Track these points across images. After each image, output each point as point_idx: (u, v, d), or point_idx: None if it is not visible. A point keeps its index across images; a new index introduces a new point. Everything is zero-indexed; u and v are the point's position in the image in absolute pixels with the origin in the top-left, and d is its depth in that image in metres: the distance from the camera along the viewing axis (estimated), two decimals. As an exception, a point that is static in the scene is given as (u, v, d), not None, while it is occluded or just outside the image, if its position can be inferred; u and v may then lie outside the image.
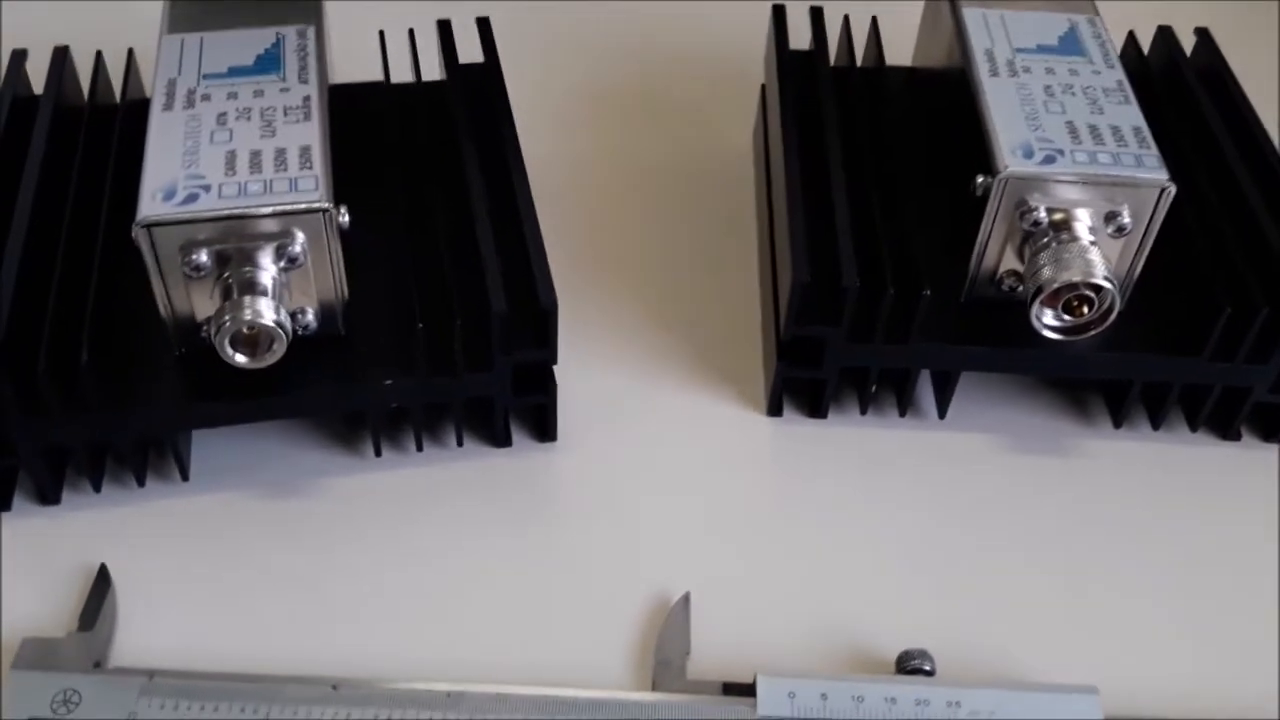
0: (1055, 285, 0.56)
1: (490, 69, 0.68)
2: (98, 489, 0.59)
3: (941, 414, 0.64)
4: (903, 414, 0.65)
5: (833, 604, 0.57)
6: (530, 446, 0.63)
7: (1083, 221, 0.57)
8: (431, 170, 0.64)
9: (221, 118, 0.57)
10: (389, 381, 0.58)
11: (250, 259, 0.54)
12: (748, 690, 0.52)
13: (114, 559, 0.57)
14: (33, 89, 0.67)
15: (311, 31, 0.62)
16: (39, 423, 0.55)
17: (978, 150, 0.59)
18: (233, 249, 0.54)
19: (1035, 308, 0.57)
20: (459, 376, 0.58)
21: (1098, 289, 0.57)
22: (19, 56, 0.67)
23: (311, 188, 0.54)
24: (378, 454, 0.62)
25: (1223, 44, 0.72)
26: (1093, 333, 0.58)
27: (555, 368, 0.60)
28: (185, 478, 0.60)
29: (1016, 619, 0.57)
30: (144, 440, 0.60)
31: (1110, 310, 0.57)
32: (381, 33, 0.69)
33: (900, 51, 0.73)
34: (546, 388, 0.61)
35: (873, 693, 0.51)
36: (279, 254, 0.55)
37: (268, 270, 0.55)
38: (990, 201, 0.58)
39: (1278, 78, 0.82)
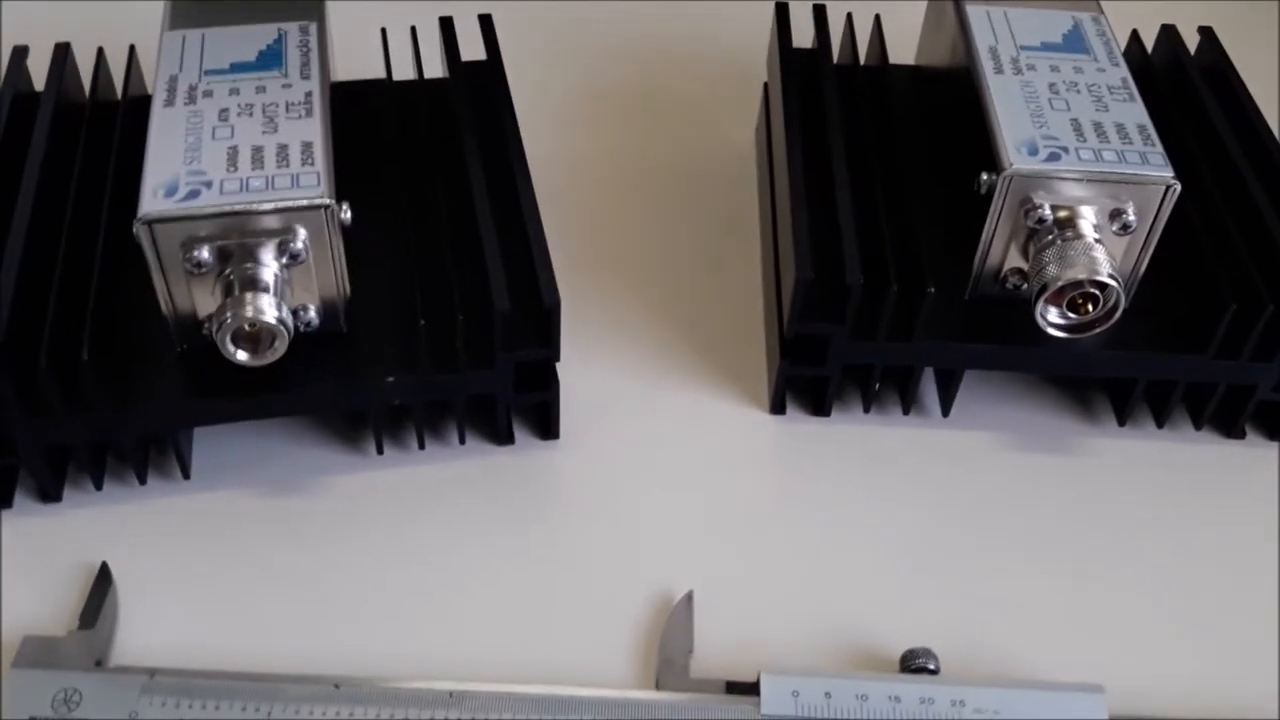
0: (1060, 283, 0.56)
1: (492, 66, 0.67)
2: (99, 487, 0.59)
3: (945, 412, 0.64)
4: (906, 412, 0.64)
5: (836, 602, 0.57)
6: (533, 444, 0.63)
7: (1087, 219, 0.57)
8: (434, 167, 0.64)
9: (223, 114, 0.57)
10: (391, 379, 0.58)
11: (252, 255, 0.54)
12: (751, 689, 0.52)
13: (115, 557, 0.56)
14: (34, 86, 0.66)
15: (314, 28, 0.62)
16: (40, 420, 0.55)
17: (982, 148, 0.59)
18: (234, 245, 0.54)
19: (1040, 305, 0.57)
20: (461, 374, 0.58)
21: (1102, 287, 0.57)
22: (20, 53, 0.67)
23: (313, 184, 0.54)
24: (380, 452, 0.61)
25: (1226, 42, 0.72)
26: (1097, 331, 0.58)
27: (558, 365, 0.60)
28: (187, 475, 0.60)
29: (1021, 617, 0.57)
30: (145, 438, 0.60)
31: (1115, 308, 0.57)
32: (383, 30, 0.69)
33: (903, 50, 0.73)
34: (549, 385, 0.61)
35: (877, 691, 0.51)
36: (281, 250, 0.54)
37: (269, 267, 0.54)
38: (995, 199, 0.58)
39: None
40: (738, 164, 0.78)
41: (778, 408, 0.65)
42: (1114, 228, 0.58)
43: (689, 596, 0.56)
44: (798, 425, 0.64)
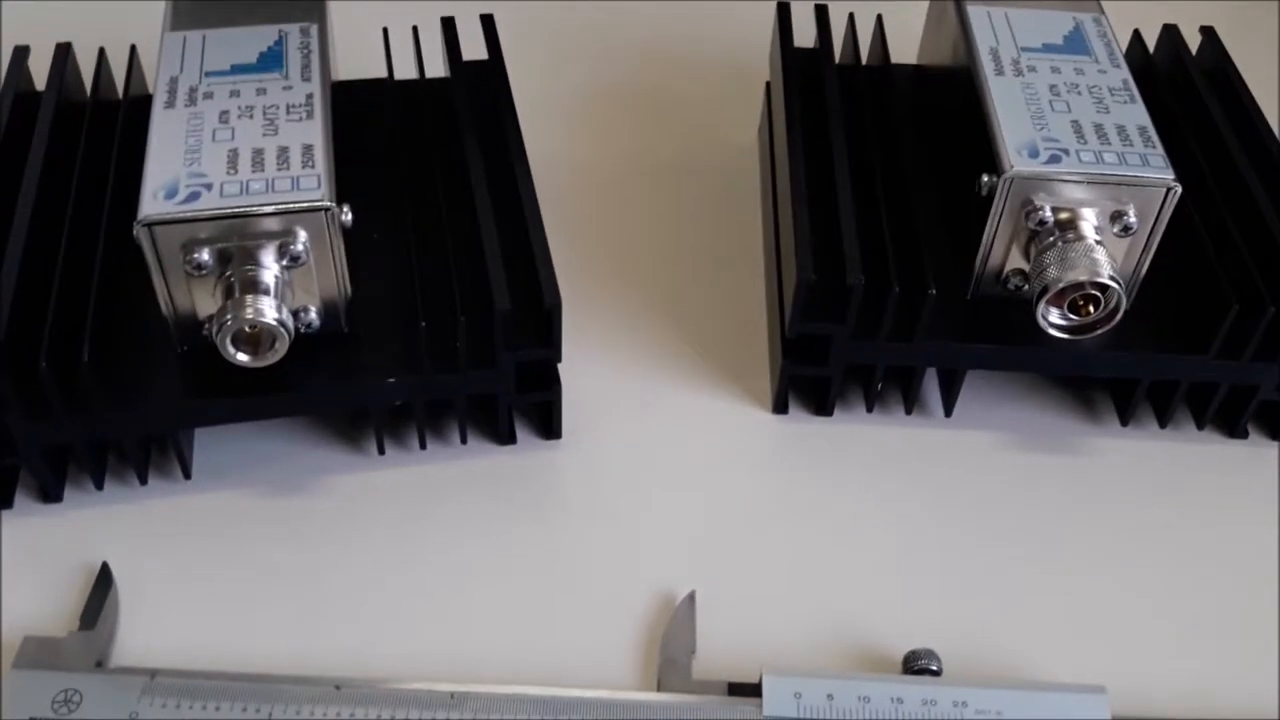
0: (1061, 285, 0.56)
1: (494, 66, 0.67)
2: (100, 487, 0.59)
3: (948, 412, 0.64)
4: (909, 412, 0.64)
5: (839, 603, 0.57)
6: (535, 444, 0.63)
7: (1088, 221, 0.57)
8: (435, 167, 0.64)
9: (224, 116, 0.57)
10: (392, 379, 0.58)
11: (252, 257, 0.54)
12: (753, 690, 0.52)
13: (116, 557, 0.56)
14: (35, 86, 0.66)
15: (314, 29, 0.62)
16: (41, 421, 0.55)
17: (983, 149, 0.59)
18: (235, 247, 0.54)
19: (1041, 307, 0.57)
20: (462, 374, 0.58)
21: (1103, 288, 0.56)
22: (21, 53, 0.67)
23: (314, 186, 0.54)
24: (381, 452, 0.61)
25: (1227, 42, 0.71)
26: (1099, 332, 0.58)
27: (560, 365, 0.60)
28: (187, 476, 0.60)
29: (1023, 618, 0.57)
30: (146, 438, 0.59)
31: (1116, 309, 0.57)
32: (385, 30, 0.69)
33: (905, 49, 0.73)
34: (551, 385, 0.61)
35: (879, 692, 0.51)
36: (281, 252, 0.54)
37: (270, 269, 0.54)
38: (995, 201, 0.58)
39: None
40: (740, 163, 0.78)
41: (780, 407, 0.65)
42: (1115, 229, 0.58)
43: (691, 597, 0.56)
44: (800, 425, 0.64)
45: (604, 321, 0.68)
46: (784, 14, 0.72)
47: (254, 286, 0.54)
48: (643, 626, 0.56)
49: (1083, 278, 0.56)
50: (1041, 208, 0.57)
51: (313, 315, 0.57)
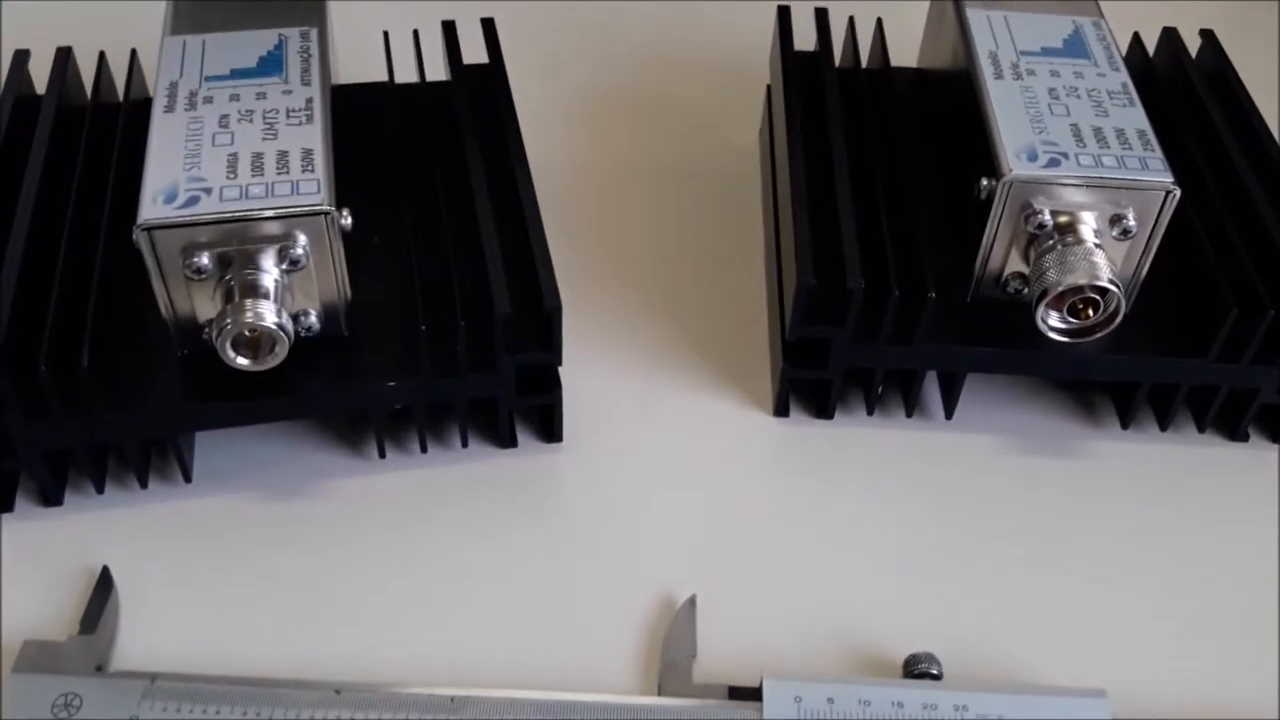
0: (1060, 288, 0.56)
1: (494, 69, 0.67)
2: (100, 491, 0.59)
3: (948, 415, 0.64)
4: (909, 415, 0.64)
5: (839, 607, 0.57)
6: (535, 447, 0.63)
7: (1088, 224, 0.57)
8: (436, 171, 0.64)
9: (223, 120, 0.57)
10: (392, 383, 0.58)
11: (252, 261, 0.54)
12: (754, 694, 0.52)
13: (116, 561, 0.56)
14: (36, 89, 0.67)
15: (314, 33, 0.62)
16: (40, 424, 0.55)
17: (982, 153, 0.59)
18: (234, 251, 0.54)
19: (1040, 310, 0.57)
20: (462, 377, 0.58)
21: (1103, 292, 0.56)
22: (21, 57, 0.67)
23: (313, 190, 0.54)
24: (381, 455, 0.61)
25: (1228, 44, 0.71)
26: (1098, 335, 0.58)
27: (561, 368, 0.60)
28: (188, 479, 0.60)
29: (1024, 621, 0.57)
30: (146, 442, 0.60)
31: (1116, 313, 0.57)
32: (386, 33, 0.69)
33: (905, 52, 0.73)
34: (551, 388, 0.61)
35: (879, 697, 0.51)
36: (281, 256, 0.54)
37: (270, 273, 0.54)
38: (994, 205, 0.58)
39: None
40: (741, 166, 0.78)
41: (781, 410, 0.65)
42: (1114, 233, 0.58)
43: (692, 600, 0.56)
44: (801, 428, 0.64)
45: (605, 324, 0.68)
46: (784, 17, 0.72)
47: (254, 290, 0.54)
48: (643, 630, 0.56)
49: (1082, 281, 0.56)
50: (1041, 211, 0.57)
51: (313, 319, 0.57)
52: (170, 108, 0.58)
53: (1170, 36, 0.72)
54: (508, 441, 0.62)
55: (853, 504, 0.61)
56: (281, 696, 0.51)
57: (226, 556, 0.58)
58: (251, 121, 0.57)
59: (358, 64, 0.69)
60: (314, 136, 0.57)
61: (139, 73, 0.69)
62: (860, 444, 0.64)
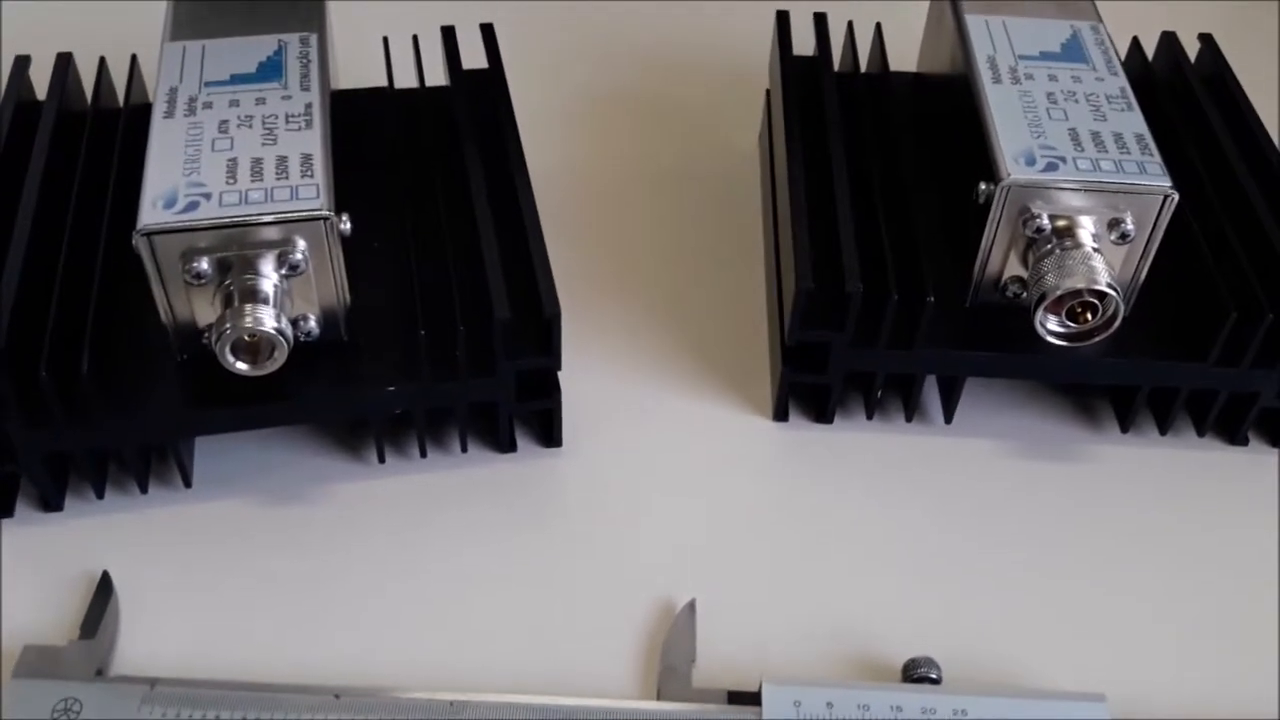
0: (1058, 292, 0.56)
1: (494, 75, 0.68)
2: (100, 495, 0.59)
3: (948, 419, 0.64)
4: (909, 419, 0.64)
5: (838, 611, 0.57)
6: (535, 452, 0.63)
7: (1086, 228, 0.57)
8: (435, 176, 0.64)
9: (223, 125, 0.57)
10: (392, 387, 0.58)
11: (251, 266, 0.54)
12: (753, 699, 0.52)
13: (116, 566, 0.56)
14: (36, 95, 0.67)
15: (314, 39, 0.62)
16: (41, 429, 0.55)
17: (980, 157, 0.59)
18: (234, 256, 0.54)
19: (1039, 314, 0.57)
20: (462, 382, 0.58)
21: (1101, 296, 0.56)
22: (22, 63, 0.67)
23: (312, 196, 0.54)
24: (381, 460, 0.61)
25: (1228, 46, 0.71)
26: (1097, 339, 0.58)
27: (560, 372, 0.60)
28: (188, 484, 0.60)
29: (1023, 626, 0.57)
30: (146, 447, 0.60)
31: (1114, 317, 0.57)
32: (385, 39, 0.69)
33: (904, 57, 0.73)
34: (551, 393, 0.61)
35: (879, 701, 0.51)
36: (280, 261, 0.55)
37: (269, 278, 0.55)
38: (993, 209, 0.58)
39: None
40: (740, 170, 0.78)
41: (781, 415, 0.65)
42: (1112, 237, 0.58)
43: (691, 605, 0.56)
44: (801, 432, 0.64)
45: (604, 328, 0.68)
46: (783, 22, 0.72)
47: (253, 295, 0.54)
48: (643, 634, 0.56)
49: (1080, 285, 0.56)
50: (1039, 215, 0.57)
51: (312, 324, 0.57)
52: (170, 113, 0.58)
53: (1169, 41, 0.72)
54: (507, 446, 0.62)
55: (852, 508, 0.61)
56: (281, 701, 0.51)
57: (226, 561, 0.58)
58: (251, 127, 0.57)
59: (358, 69, 0.69)
60: (313, 142, 0.57)
61: (139, 78, 0.69)
62: (860, 448, 0.64)
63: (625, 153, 0.79)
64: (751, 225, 0.74)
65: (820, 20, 0.72)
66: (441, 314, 0.58)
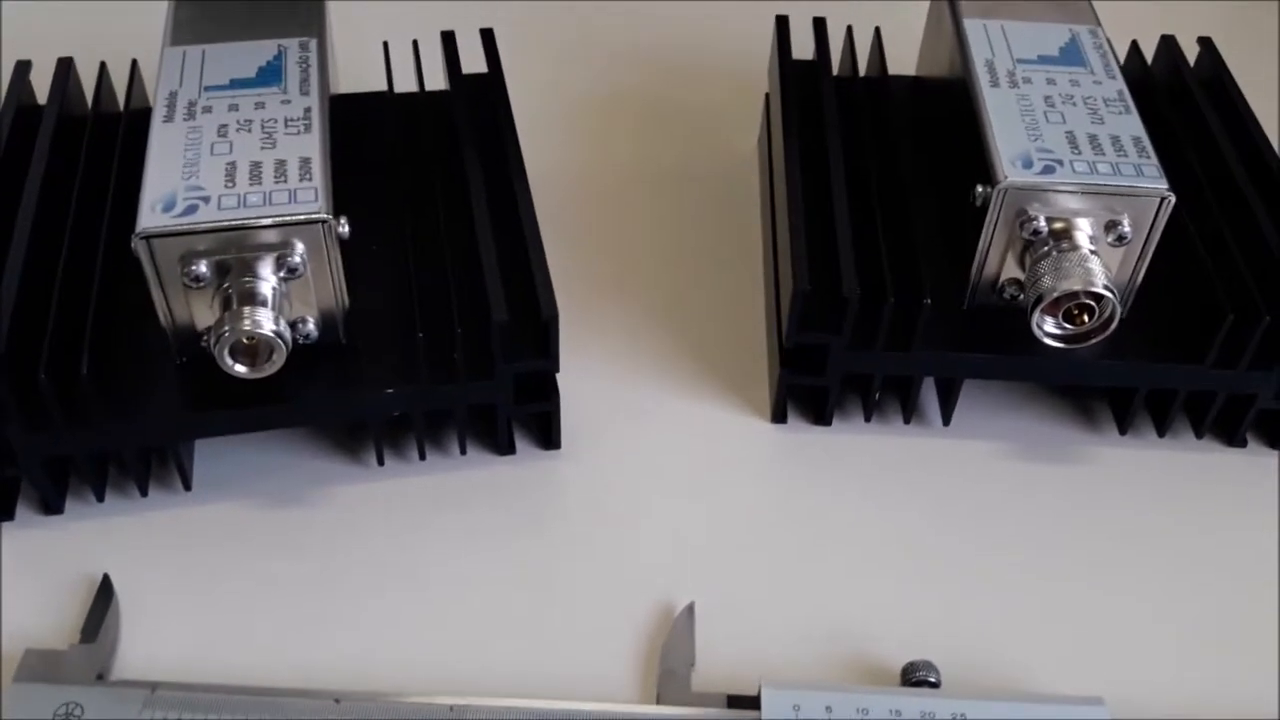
0: (1055, 294, 0.56)
1: (493, 79, 0.68)
2: (100, 499, 0.60)
3: (946, 421, 0.64)
4: (907, 421, 0.64)
5: (837, 614, 0.57)
6: (534, 454, 0.63)
7: (1083, 231, 0.57)
8: (434, 179, 0.65)
9: (222, 129, 0.58)
10: (390, 390, 0.58)
11: (250, 269, 0.54)
12: (752, 702, 0.52)
13: (117, 569, 0.57)
14: (37, 99, 0.67)
15: (314, 44, 0.63)
16: (41, 432, 0.55)
17: (978, 160, 0.59)
18: (232, 260, 0.54)
19: (1036, 316, 0.57)
20: (461, 385, 0.58)
21: (1098, 298, 0.57)
22: (23, 67, 0.67)
23: (311, 199, 0.55)
24: (380, 463, 0.62)
25: (1228, 48, 0.72)
26: (1094, 341, 0.58)
27: (559, 374, 0.60)
28: (188, 487, 0.60)
29: (1022, 628, 0.57)
30: (146, 450, 0.60)
31: (1111, 319, 0.57)
32: (385, 43, 0.69)
33: (903, 61, 0.73)
34: (549, 396, 0.61)
35: (878, 704, 0.51)
36: (279, 264, 0.55)
37: (267, 280, 0.55)
38: (990, 211, 0.58)
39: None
40: (740, 172, 0.78)
41: (779, 417, 0.65)
42: (1109, 239, 0.58)
43: (690, 608, 0.56)
44: (799, 434, 0.64)
45: (603, 331, 0.68)
46: (782, 26, 0.72)
47: (251, 298, 0.54)
48: (642, 638, 0.56)
49: (1077, 287, 0.56)
50: (1036, 218, 0.57)
51: (311, 327, 0.57)
52: (169, 117, 0.58)
53: (1168, 44, 0.72)
54: (506, 449, 0.62)
55: (851, 511, 0.61)
56: (281, 705, 0.51)
57: (226, 564, 0.58)
58: (250, 131, 0.58)
59: (358, 73, 0.69)
60: (312, 145, 0.57)
61: (140, 82, 0.69)
62: (858, 450, 0.64)
63: (624, 155, 0.80)
64: (750, 228, 0.74)
65: (819, 24, 0.72)
66: (440, 317, 0.58)
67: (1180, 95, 0.70)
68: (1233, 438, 0.64)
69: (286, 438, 0.62)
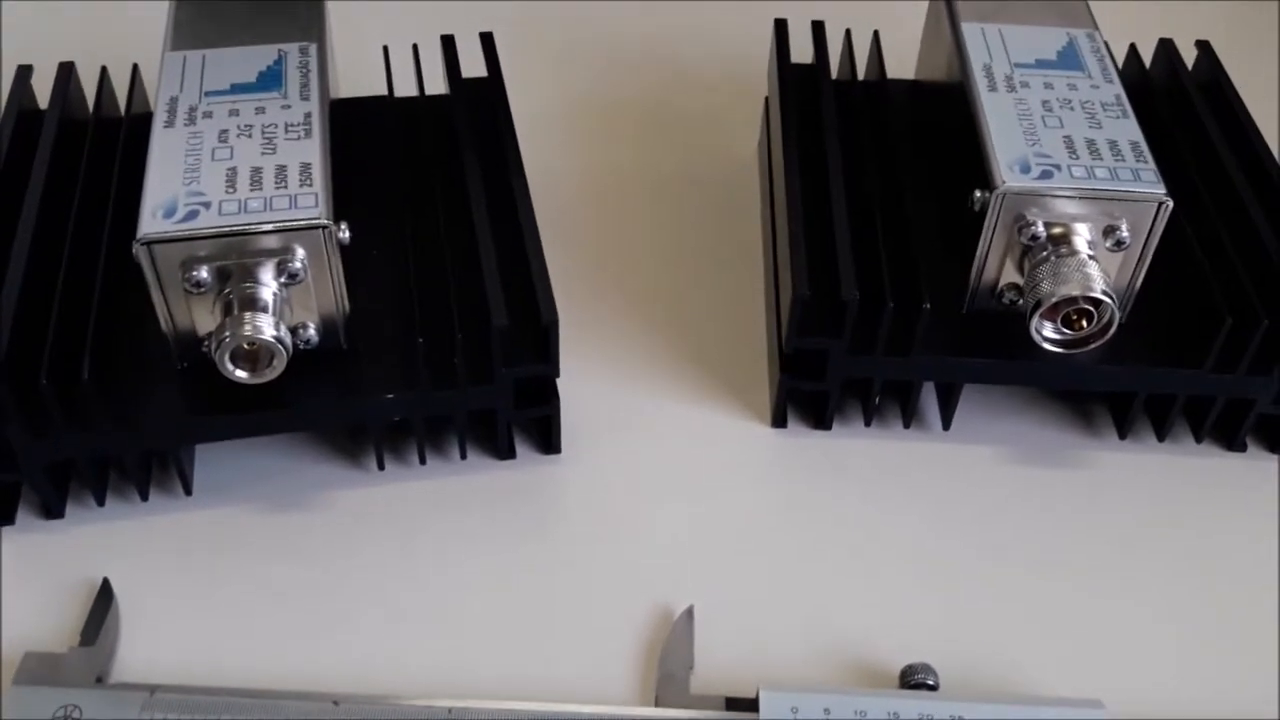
0: (1054, 299, 0.56)
1: (493, 84, 0.68)
2: (101, 503, 0.60)
3: (945, 426, 0.64)
4: (907, 426, 0.65)
5: (836, 617, 0.57)
6: (534, 459, 0.63)
7: (1081, 235, 0.58)
8: (434, 184, 0.65)
9: (223, 135, 0.58)
10: (391, 395, 0.58)
11: (251, 275, 0.55)
12: (751, 705, 0.52)
13: (117, 573, 0.57)
14: (39, 104, 0.67)
15: (314, 49, 0.63)
16: (42, 437, 0.56)
17: (976, 165, 0.59)
18: (233, 265, 0.54)
19: (1035, 321, 0.57)
20: (461, 390, 0.58)
21: (1097, 303, 0.57)
22: (24, 72, 0.67)
23: (311, 204, 0.55)
24: (380, 467, 0.62)
25: (1226, 54, 0.72)
26: (1093, 346, 0.58)
27: (559, 379, 0.60)
28: (188, 492, 0.60)
29: (1021, 632, 0.57)
30: (147, 454, 0.60)
31: (1110, 323, 0.57)
32: (385, 48, 0.70)
33: (902, 65, 0.73)
34: (549, 401, 0.61)
35: (876, 707, 0.51)
36: (279, 270, 0.55)
37: (268, 286, 0.55)
38: (988, 216, 0.58)
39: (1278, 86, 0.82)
40: (740, 177, 0.78)
41: (779, 421, 0.65)
42: (1108, 244, 0.58)
43: (689, 611, 0.56)
44: (799, 439, 0.64)
45: (603, 335, 0.68)
46: (781, 30, 0.72)
47: (252, 304, 0.54)
48: (641, 641, 0.56)
49: (1075, 292, 0.56)
50: (1034, 223, 0.57)
51: (311, 332, 0.57)
52: (170, 123, 0.58)
53: (1166, 48, 0.72)
54: (506, 453, 0.62)
55: (850, 515, 0.61)
56: (280, 707, 0.51)
57: (226, 568, 0.58)
58: (250, 136, 0.58)
59: (358, 77, 0.69)
60: (312, 151, 0.57)
61: (140, 87, 0.69)
62: (858, 455, 0.64)
63: (624, 159, 0.80)
64: (750, 232, 0.74)
65: (818, 28, 0.72)
66: (440, 322, 0.58)
67: (1178, 99, 0.70)
68: (1232, 442, 0.64)
69: (287, 442, 0.62)
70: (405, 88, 0.69)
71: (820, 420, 0.64)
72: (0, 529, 0.59)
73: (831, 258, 0.60)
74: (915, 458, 0.64)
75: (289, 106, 0.59)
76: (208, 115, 0.59)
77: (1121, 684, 0.55)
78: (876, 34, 0.73)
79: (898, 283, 0.60)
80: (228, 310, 0.54)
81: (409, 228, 0.63)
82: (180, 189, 0.55)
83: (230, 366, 0.55)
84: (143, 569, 0.57)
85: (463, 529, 0.60)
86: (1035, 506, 0.62)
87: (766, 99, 0.76)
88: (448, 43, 0.69)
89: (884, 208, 0.64)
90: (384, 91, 0.68)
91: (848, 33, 0.73)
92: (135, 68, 0.70)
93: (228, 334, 0.54)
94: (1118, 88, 0.62)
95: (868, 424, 0.65)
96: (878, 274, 0.60)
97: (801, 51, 0.72)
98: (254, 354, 0.55)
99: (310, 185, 0.55)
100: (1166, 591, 0.59)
